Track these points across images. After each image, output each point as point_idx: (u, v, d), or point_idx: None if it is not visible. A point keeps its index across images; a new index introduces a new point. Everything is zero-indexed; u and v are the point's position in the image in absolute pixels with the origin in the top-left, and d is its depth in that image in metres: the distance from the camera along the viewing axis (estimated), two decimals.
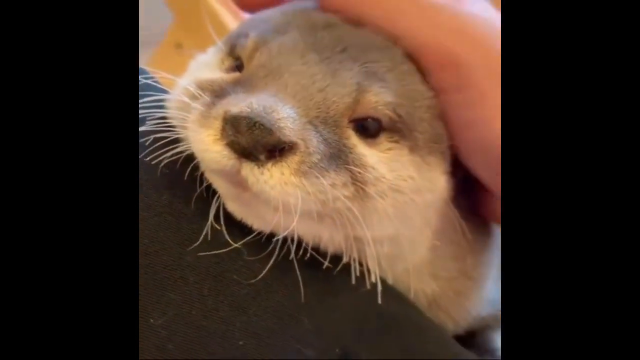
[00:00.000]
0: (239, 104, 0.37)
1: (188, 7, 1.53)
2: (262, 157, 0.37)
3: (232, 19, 1.48)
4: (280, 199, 0.37)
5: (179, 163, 0.42)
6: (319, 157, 0.38)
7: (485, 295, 0.54)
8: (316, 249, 0.43)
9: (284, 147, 0.37)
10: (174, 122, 0.42)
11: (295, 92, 0.39)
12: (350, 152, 0.40)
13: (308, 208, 0.38)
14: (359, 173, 0.40)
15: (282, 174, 0.37)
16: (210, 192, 0.42)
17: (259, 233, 0.41)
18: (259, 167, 0.37)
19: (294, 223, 0.38)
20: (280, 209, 0.37)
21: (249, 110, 0.37)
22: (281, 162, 0.37)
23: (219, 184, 0.41)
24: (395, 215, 0.41)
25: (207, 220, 0.41)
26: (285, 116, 0.37)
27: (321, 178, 0.38)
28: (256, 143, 0.36)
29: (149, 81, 0.46)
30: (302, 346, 0.40)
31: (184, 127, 0.41)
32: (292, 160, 0.37)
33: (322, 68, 0.41)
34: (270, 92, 0.39)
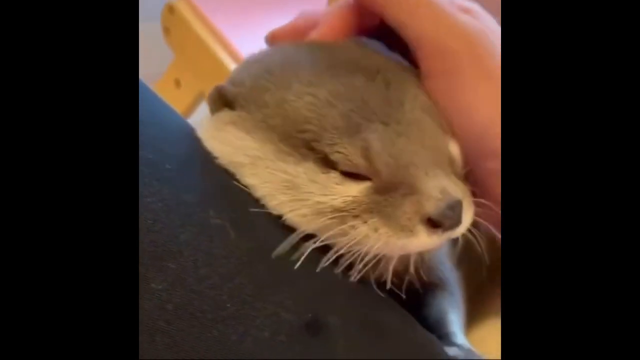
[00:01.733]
0: (426, 202, 0.46)
1: (187, 48, 1.64)
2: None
3: (230, 60, 1.59)
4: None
5: None
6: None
7: None
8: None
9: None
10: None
11: (430, 164, 0.48)
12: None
13: None
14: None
15: (468, 217, 0.49)
16: None
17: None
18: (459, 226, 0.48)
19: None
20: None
21: (438, 201, 0.46)
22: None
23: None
24: None
25: None
26: (454, 184, 0.47)
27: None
28: (459, 218, 0.47)
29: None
30: (281, 310, 0.47)
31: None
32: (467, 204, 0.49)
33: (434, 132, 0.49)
34: (426, 182, 0.47)
